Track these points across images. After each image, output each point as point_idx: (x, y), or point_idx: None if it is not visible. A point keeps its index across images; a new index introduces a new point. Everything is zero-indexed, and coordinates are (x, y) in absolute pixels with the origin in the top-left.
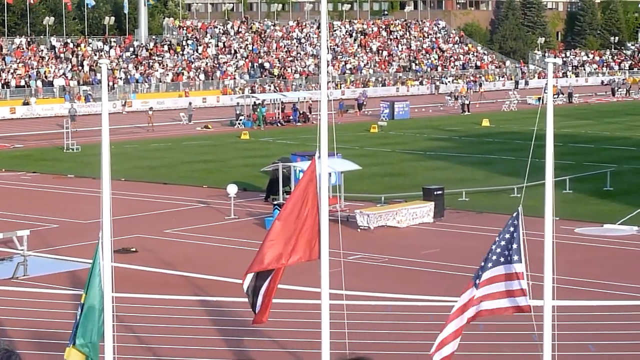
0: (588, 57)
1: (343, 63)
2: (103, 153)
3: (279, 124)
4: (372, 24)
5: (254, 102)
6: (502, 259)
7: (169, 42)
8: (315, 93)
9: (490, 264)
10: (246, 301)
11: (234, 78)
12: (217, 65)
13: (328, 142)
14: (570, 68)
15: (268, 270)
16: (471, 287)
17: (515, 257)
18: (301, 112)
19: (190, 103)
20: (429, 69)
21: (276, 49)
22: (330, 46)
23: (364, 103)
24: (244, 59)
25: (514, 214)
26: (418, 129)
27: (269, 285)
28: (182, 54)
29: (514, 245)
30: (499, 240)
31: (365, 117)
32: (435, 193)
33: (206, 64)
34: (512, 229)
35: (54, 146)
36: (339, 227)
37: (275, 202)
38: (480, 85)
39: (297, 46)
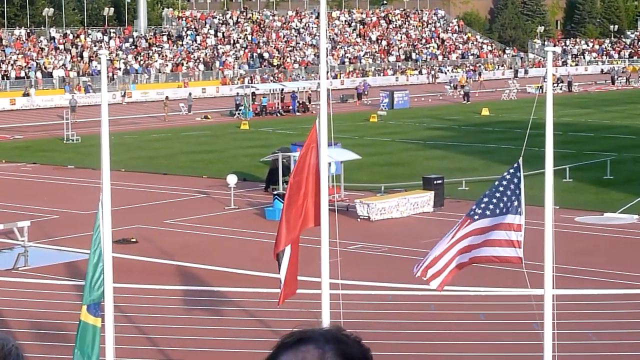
0: (588, 45)
1: (342, 53)
2: (103, 144)
3: (278, 114)
4: (371, 14)
5: (253, 92)
6: (505, 210)
7: (168, 33)
8: (314, 83)
9: (497, 211)
10: (246, 291)
11: (233, 68)
12: (217, 56)
13: (326, 131)
14: (569, 57)
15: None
16: (468, 222)
17: (520, 209)
18: (300, 102)
19: (189, 93)
20: (428, 58)
21: (275, 39)
22: (330, 36)
23: (365, 92)
24: (243, 49)
25: (515, 166)
26: (418, 119)
27: (290, 262)
28: (182, 45)
29: (520, 197)
30: (504, 188)
31: (365, 106)
32: (435, 182)
33: (205, 54)
34: (515, 180)
35: (54, 137)
36: (336, 217)
37: (275, 192)
38: (480, 74)
39: (296, 36)
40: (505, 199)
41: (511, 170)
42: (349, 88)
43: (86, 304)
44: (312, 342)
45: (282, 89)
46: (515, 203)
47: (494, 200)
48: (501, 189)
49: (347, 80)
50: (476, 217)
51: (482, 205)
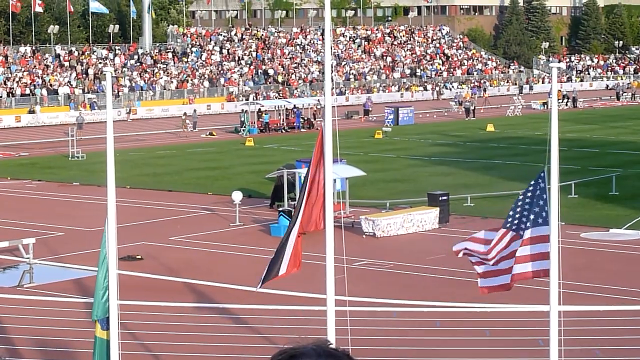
0: (592, 61)
1: (347, 69)
2: (108, 161)
3: (283, 131)
4: (376, 30)
5: (259, 109)
6: (539, 220)
7: (173, 50)
8: (318, 99)
9: (528, 223)
10: (251, 307)
11: (238, 85)
12: (222, 72)
13: (331, 148)
14: (574, 72)
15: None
16: (509, 234)
17: (547, 219)
18: (305, 118)
19: (194, 110)
20: (433, 75)
21: (280, 55)
22: (334, 52)
23: (370, 109)
24: (248, 65)
25: (542, 175)
26: (422, 135)
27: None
28: (187, 61)
29: (546, 207)
30: (531, 200)
31: (370, 122)
32: (440, 199)
33: (210, 71)
34: (540, 191)
35: (59, 154)
36: (342, 233)
37: (280, 209)
38: (485, 90)
39: (301, 53)
40: (533, 210)
41: (539, 181)
42: (354, 104)
43: (96, 319)
44: (304, 357)
45: (295, 106)
46: (543, 214)
47: (525, 213)
48: (528, 200)
49: (351, 97)
50: (528, 223)
51: (517, 219)
